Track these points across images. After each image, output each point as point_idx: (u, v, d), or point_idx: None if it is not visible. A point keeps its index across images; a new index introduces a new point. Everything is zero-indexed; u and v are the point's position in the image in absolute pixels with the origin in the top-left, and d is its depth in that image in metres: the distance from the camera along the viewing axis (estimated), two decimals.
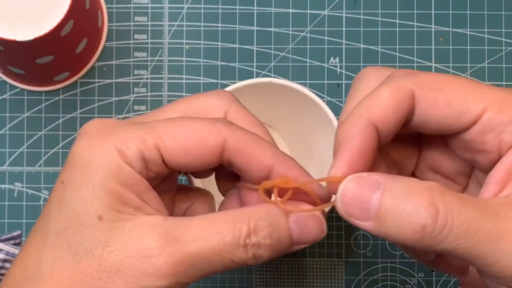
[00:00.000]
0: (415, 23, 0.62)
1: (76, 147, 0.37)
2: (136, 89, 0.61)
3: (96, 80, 0.61)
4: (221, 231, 0.36)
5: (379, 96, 0.36)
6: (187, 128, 0.37)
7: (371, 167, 0.36)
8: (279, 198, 0.37)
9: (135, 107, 0.61)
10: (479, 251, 0.32)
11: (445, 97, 0.35)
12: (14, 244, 0.50)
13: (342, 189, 0.35)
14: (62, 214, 0.36)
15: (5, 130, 0.60)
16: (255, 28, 0.61)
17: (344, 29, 0.61)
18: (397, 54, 0.61)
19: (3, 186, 0.60)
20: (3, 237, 0.50)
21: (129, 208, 0.36)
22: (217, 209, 0.43)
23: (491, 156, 0.36)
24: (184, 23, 0.61)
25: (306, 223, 0.37)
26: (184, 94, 0.61)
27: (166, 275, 0.35)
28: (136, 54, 0.61)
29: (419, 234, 0.33)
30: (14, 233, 0.51)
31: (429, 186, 0.33)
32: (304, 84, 0.61)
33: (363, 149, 0.35)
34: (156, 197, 0.38)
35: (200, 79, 0.61)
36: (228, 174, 0.40)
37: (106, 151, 0.36)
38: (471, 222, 0.32)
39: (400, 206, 0.33)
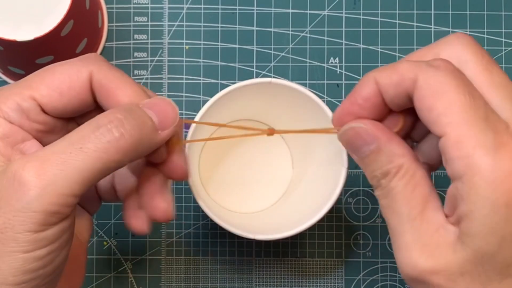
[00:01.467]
0: (415, 23, 0.62)
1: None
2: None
3: None
4: (78, 130, 0.37)
5: (397, 65, 0.39)
6: (57, 72, 0.40)
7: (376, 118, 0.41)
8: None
9: None
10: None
11: (431, 102, 0.37)
12: None
13: (342, 131, 0.41)
14: None
15: None
16: (255, 28, 0.61)
17: (344, 29, 0.61)
18: (397, 54, 0.61)
19: None
20: None
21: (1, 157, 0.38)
22: None
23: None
24: (184, 23, 0.61)
25: (156, 105, 0.39)
26: (184, 94, 0.61)
27: (32, 185, 0.35)
28: (136, 54, 0.61)
29: (375, 186, 0.40)
30: None
31: (403, 162, 0.39)
32: (304, 84, 0.61)
33: (364, 100, 0.40)
34: (35, 144, 0.40)
35: (200, 79, 0.61)
36: None
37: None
38: (396, 211, 0.39)
39: (375, 168, 0.40)
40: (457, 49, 0.39)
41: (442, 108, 0.37)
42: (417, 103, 0.38)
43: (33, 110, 0.39)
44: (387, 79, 0.39)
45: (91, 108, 0.41)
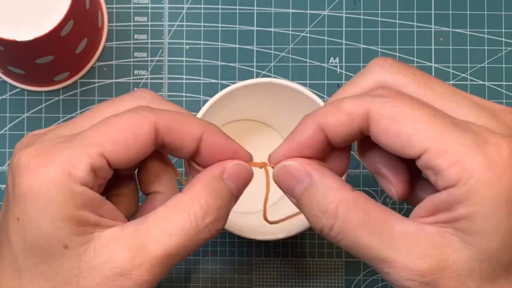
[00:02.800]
0: (415, 23, 0.62)
1: (20, 183, 0.37)
2: (136, 89, 0.61)
3: (96, 80, 0.61)
4: (178, 224, 0.38)
5: (339, 105, 0.39)
6: (119, 126, 0.38)
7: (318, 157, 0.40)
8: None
9: None
10: (369, 265, 0.38)
11: (396, 128, 0.37)
12: None
13: (275, 172, 0.40)
14: (29, 251, 0.37)
15: (5, 130, 0.60)
16: (255, 28, 0.61)
17: (344, 29, 0.61)
18: (397, 54, 0.61)
19: (3, 186, 0.60)
20: None
21: (89, 227, 0.37)
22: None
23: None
24: (184, 23, 0.61)
25: (237, 173, 0.41)
26: (184, 94, 0.61)
27: (143, 284, 0.37)
28: (136, 54, 0.61)
29: (319, 230, 0.39)
30: None
31: (343, 196, 0.38)
32: (304, 84, 0.61)
33: (304, 145, 0.39)
34: (110, 206, 0.39)
35: (200, 79, 0.61)
36: (151, 169, 0.42)
37: (54, 179, 0.36)
38: (359, 242, 0.37)
39: (311, 205, 0.38)
40: (386, 77, 0.40)
41: (410, 129, 0.36)
42: (378, 135, 0.38)
43: (103, 168, 0.38)
44: (334, 121, 0.38)
45: (151, 151, 0.40)
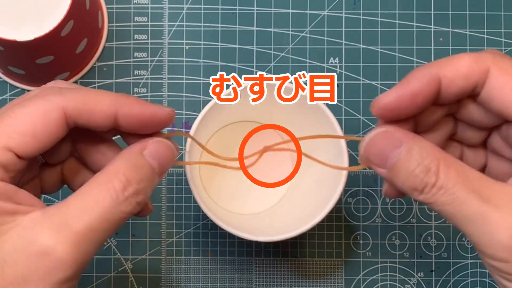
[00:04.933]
0: (415, 23, 0.62)
1: None
2: (136, 89, 0.61)
3: (96, 80, 0.61)
4: (98, 198, 0.38)
5: (458, 58, 0.38)
6: (24, 115, 0.38)
7: (417, 114, 0.40)
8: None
9: None
10: (461, 222, 0.37)
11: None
12: None
13: (368, 139, 0.40)
14: None
15: None
16: (255, 28, 0.61)
17: (343, 29, 0.62)
18: (397, 54, 0.61)
19: None
20: None
21: (6, 216, 0.37)
22: None
23: None
24: (184, 23, 0.61)
25: (156, 149, 0.41)
26: (184, 94, 0.61)
27: (69, 262, 0.36)
28: (136, 54, 0.61)
29: (417, 192, 0.38)
30: None
31: (441, 156, 0.38)
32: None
33: (417, 93, 0.39)
34: (26, 193, 0.38)
35: (200, 79, 0.61)
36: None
37: None
38: (458, 196, 0.37)
39: (411, 167, 0.38)
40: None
41: None
42: (493, 90, 0.38)
43: (11, 161, 0.38)
44: (454, 73, 0.38)
45: (63, 136, 0.40)
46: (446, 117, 0.42)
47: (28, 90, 0.60)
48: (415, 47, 0.61)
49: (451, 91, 0.39)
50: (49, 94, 0.39)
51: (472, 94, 0.39)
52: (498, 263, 0.36)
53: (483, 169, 0.44)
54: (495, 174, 0.43)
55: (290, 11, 0.62)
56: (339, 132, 0.50)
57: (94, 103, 0.40)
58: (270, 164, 0.58)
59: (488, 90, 0.38)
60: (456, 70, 0.38)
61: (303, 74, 0.46)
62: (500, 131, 0.42)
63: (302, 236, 0.60)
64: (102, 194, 0.38)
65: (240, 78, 0.47)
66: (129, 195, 0.39)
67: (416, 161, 0.38)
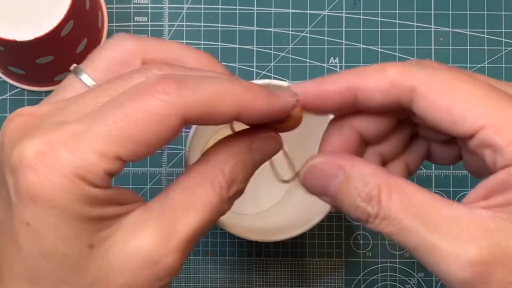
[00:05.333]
0: (415, 23, 0.62)
1: (28, 185, 0.32)
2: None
3: None
4: (205, 196, 0.34)
5: (383, 71, 0.36)
6: (140, 120, 0.32)
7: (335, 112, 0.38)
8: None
9: None
10: (412, 252, 0.35)
11: (447, 103, 0.34)
12: None
13: (302, 174, 0.37)
14: (47, 257, 0.33)
15: None
16: (255, 28, 0.61)
17: (344, 29, 0.61)
18: (397, 54, 0.61)
19: None
20: None
21: (110, 220, 0.34)
22: None
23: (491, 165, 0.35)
24: (184, 23, 0.61)
25: (266, 146, 0.38)
26: None
27: (176, 269, 0.34)
28: None
29: (363, 222, 0.35)
30: None
31: (382, 181, 0.35)
32: None
33: (328, 95, 0.37)
34: (125, 190, 0.35)
35: None
36: None
37: (68, 183, 0.32)
38: (402, 227, 0.34)
39: (351, 198, 0.35)
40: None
41: (463, 104, 0.34)
42: (423, 110, 0.35)
43: (118, 169, 0.33)
44: (373, 86, 0.36)
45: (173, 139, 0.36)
46: (404, 119, 0.39)
47: (28, 90, 0.60)
48: (415, 47, 0.61)
49: (370, 104, 0.36)
50: (168, 94, 0.33)
51: (402, 107, 0.36)
52: None
53: (457, 161, 0.41)
54: (469, 168, 0.40)
55: (290, 11, 0.62)
56: None
57: (216, 106, 0.34)
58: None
59: (419, 107, 0.35)
60: (376, 84, 0.36)
61: None
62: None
63: (302, 236, 0.60)
64: (208, 191, 0.35)
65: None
66: (232, 195, 0.35)
67: (356, 191, 0.35)
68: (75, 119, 0.34)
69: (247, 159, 0.37)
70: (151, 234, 0.34)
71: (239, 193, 0.36)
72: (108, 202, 0.33)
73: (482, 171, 0.38)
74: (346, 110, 0.37)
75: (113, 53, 0.37)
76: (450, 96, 0.34)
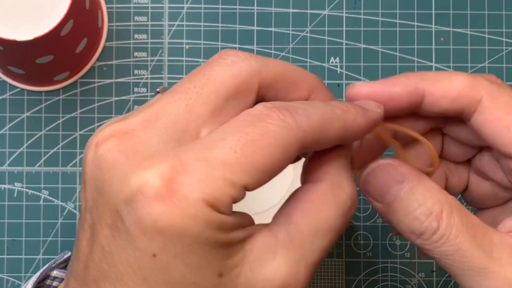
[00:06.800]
0: (416, 23, 0.62)
1: (154, 217, 0.30)
2: (136, 89, 0.61)
3: (96, 80, 0.61)
4: (330, 222, 0.33)
5: (451, 79, 0.36)
6: (266, 147, 0.31)
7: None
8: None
9: (135, 107, 0.61)
10: (459, 274, 0.35)
11: (509, 121, 0.35)
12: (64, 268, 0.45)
13: (369, 170, 0.36)
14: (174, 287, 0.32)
15: (5, 130, 0.60)
16: (255, 28, 0.61)
17: (344, 29, 0.61)
18: (398, 54, 0.61)
19: (3, 186, 0.60)
20: (56, 262, 0.45)
21: (237, 245, 0.32)
22: None
23: None
24: (184, 23, 0.61)
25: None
26: None
27: None
28: (136, 54, 0.61)
29: (414, 236, 0.35)
30: (65, 256, 0.45)
31: (445, 199, 0.35)
32: None
33: (394, 98, 0.37)
34: (241, 212, 0.34)
35: None
36: None
37: (197, 211, 0.31)
38: (461, 248, 0.34)
39: (411, 207, 0.35)
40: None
41: None
42: (483, 123, 0.36)
43: (242, 197, 0.32)
44: (441, 92, 0.36)
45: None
46: (432, 130, 0.40)
47: (28, 90, 0.60)
48: (416, 46, 0.61)
49: (434, 109, 0.37)
50: (284, 120, 0.32)
51: (459, 116, 0.37)
52: None
53: (464, 189, 0.42)
54: (474, 194, 0.41)
55: (291, 10, 0.61)
56: None
57: (327, 131, 0.33)
58: None
59: (480, 119, 0.36)
60: (445, 91, 0.36)
61: None
62: (491, 152, 0.39)
63: None
64: (333, 217, 0.33)
65: None
66: (351, 215, 0.34)
67: (417, 202, 0.35)
68: (186, 142, 0.32)
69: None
70: (281, 263, 0.32)
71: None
72: (234, 227, 0.32)
73: (486, 198, 0.40)
74: (405, 112, 0.37)
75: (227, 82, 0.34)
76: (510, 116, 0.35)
